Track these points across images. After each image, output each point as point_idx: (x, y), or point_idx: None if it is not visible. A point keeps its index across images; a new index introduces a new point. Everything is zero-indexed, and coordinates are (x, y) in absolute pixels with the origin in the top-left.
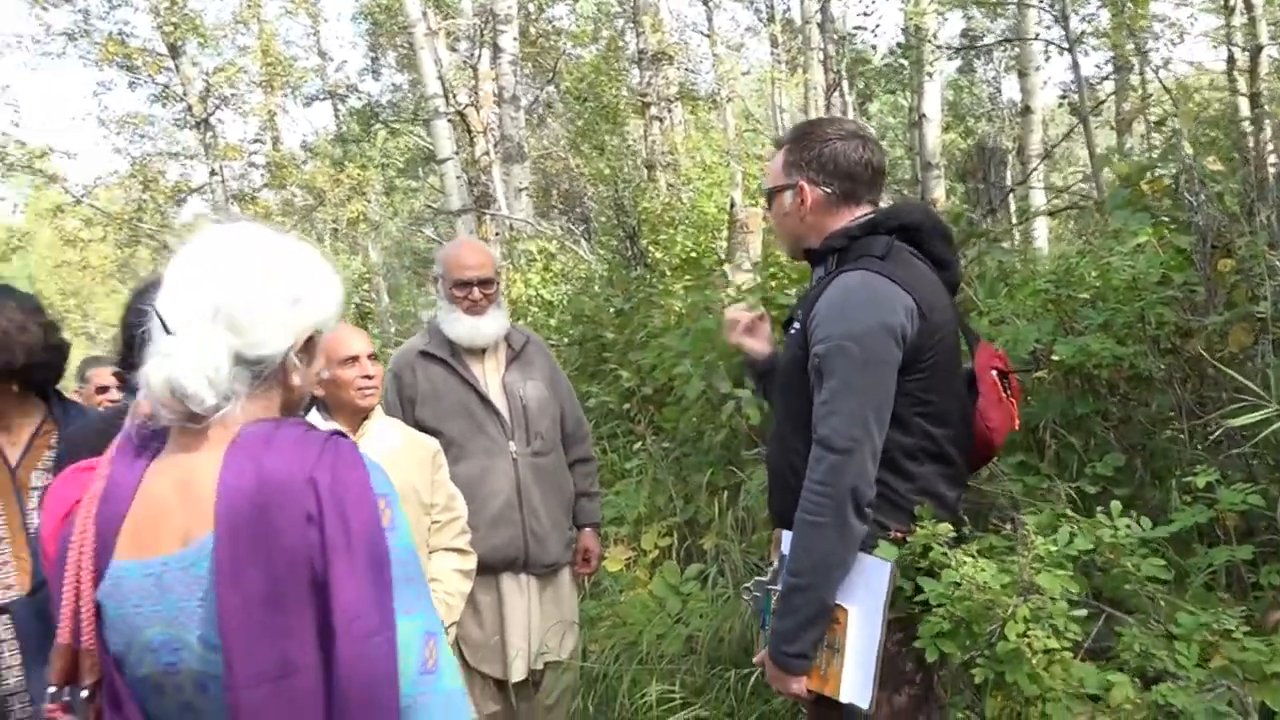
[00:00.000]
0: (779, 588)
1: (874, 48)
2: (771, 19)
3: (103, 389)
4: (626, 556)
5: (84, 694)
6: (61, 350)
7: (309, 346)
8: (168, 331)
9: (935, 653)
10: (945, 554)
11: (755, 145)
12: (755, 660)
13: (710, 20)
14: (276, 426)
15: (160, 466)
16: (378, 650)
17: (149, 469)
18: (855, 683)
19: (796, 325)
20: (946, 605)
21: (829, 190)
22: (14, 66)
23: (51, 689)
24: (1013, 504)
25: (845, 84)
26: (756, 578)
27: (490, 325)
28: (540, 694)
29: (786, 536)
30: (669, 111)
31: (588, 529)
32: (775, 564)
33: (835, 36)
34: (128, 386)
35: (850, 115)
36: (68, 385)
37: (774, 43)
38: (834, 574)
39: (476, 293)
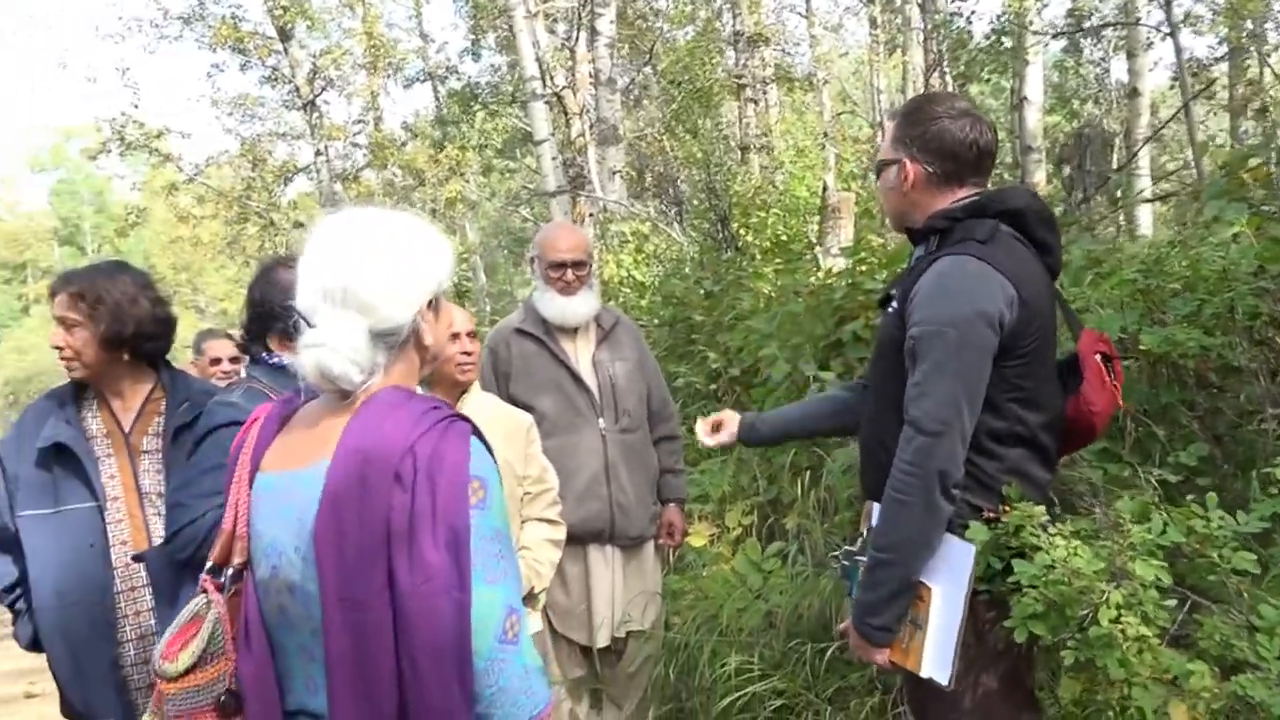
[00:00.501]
0: (866, 559)
1: (969, 31)
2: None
3: (216, 360)
4: (711, 533)
5: (230, 571)
6: (170, 323)
7: (433, 306)
8: (309, 325)
9: (1025, 634)
10: (1038, 536)
11: (852, 128)
12: (839, 629)
13: (808, 1)
14: (409, 398)
15: (310, 410)
16: (448, 607)
17: (301, 409)
18: (936, 659)
19: (894, 305)
20: (1039, 588)
21: (932, 169)
22: (134, 50)
23: (209, 565)
24: (1092, 491)
25: (945, 65)
26: (845, 547)
27: (581, 305)
28: (624, 661)
29: (877, 509)
30: (764, 93)
31: (672, 504)
32: (864, 534)
33: (935, 17)
34: (250, 356)
35: None
36: (183, 356)
37: (873, 23)
38: (919, 552)
39: (569, 274)
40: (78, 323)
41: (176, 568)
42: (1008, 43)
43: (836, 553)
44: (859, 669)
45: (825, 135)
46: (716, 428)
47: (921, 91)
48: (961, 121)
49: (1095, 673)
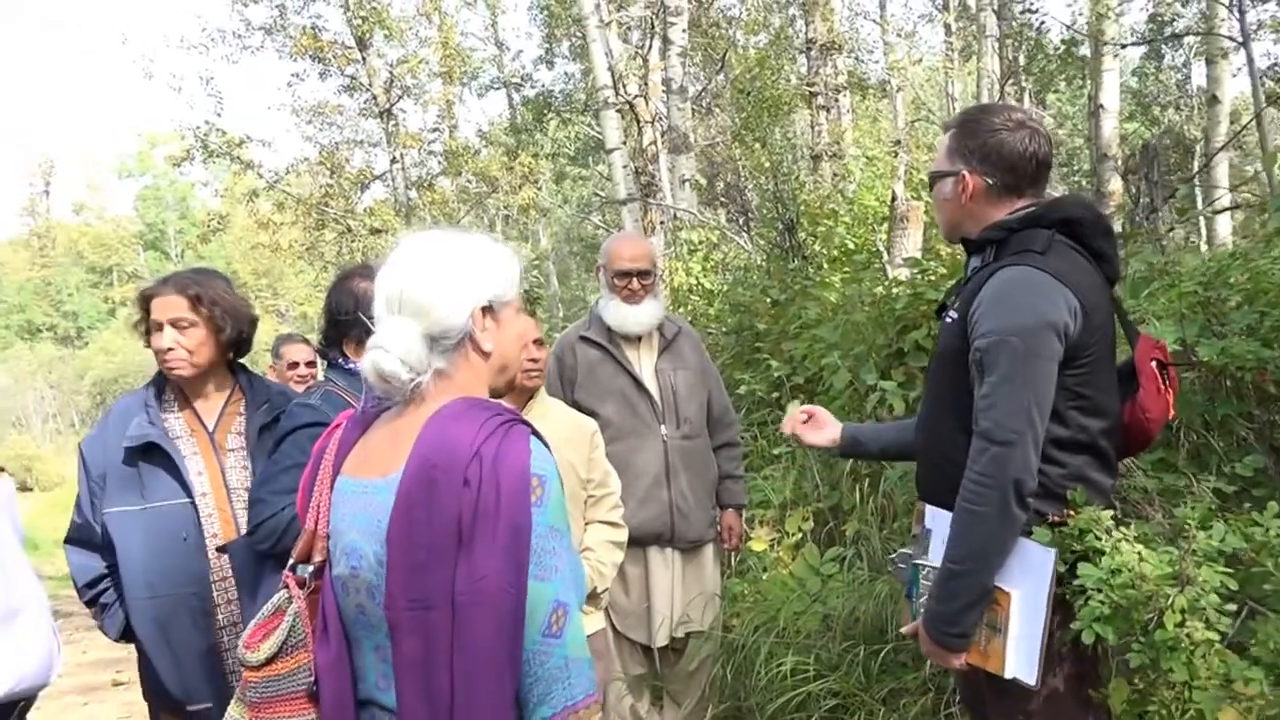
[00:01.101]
0: (927, 560)
1: (1037, 37)
2: (946, 6)
3: (293, 364)
4: (771, 538)
5: (310, 568)
6: (254, 327)
7: (489, 315)
8: (372, 330)
9: (1092, 635)
10: (1103, 540)
11: (926, 135)
12: (904, 631)
13: (883, 7)
14: (472, 405)
15: (386, 418)
16: (504, 601)
17: (379, 418)
18: (1020, 660)
19: (953, 315)
20: (1105, 590)
21: (991, 181)
22: (217, 60)
23: (291, 561)
24: (1148, 499)
25: (1021, 72)
26: (901, 550)
27: (645, 314)
28: (683, 660)
29: (930, 511)
30: (836, 101)
31: (731, 509)
32: (918, 535)
33: (1012, 23)
34: (328, 361)
35: (1026, 104)
36: (263, 360)
37: (947, 30)
38: (993, 560)
39: (634, 283)
40: (193, 324)
41: (258, 559)
42: (1084, 51)
43: (893, 556)
44: (913, 671)
45: (898, 143)
46: (808, 420)
47: (996, 99)
48: (1020, 133)
49: (1156, 676)
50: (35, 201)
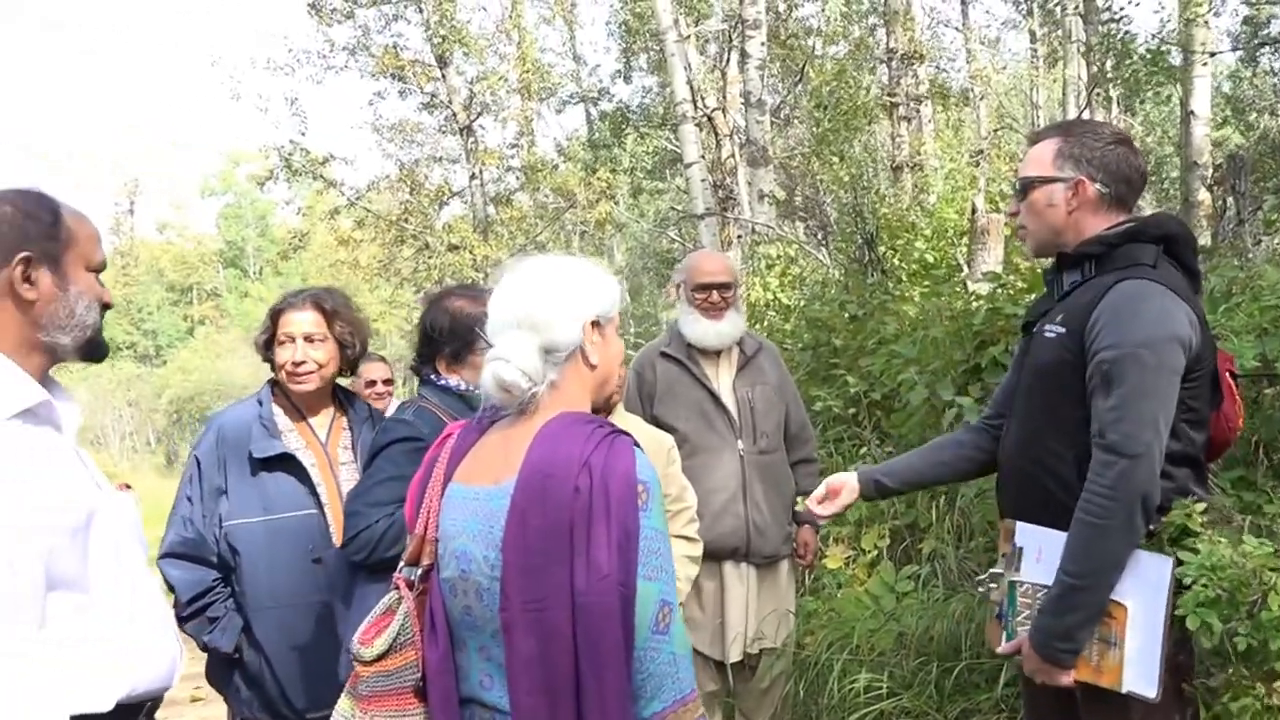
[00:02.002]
0: (1025, 578)
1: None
2: (1030, 12)
3: (370, 383)
4: (846, 555)
5: (419, 571)
6: (366, 346)
7: (597, 329)
8: (490, 345)
9: (1197, 622)
10: (1204, 529)
11: (1009, 144)
12: (1002, 650)
13: (965, 14)
14: (578, 419)
15: (498, 428)
16: (616, 599)
17: (491, 428)
18: (1139, 673)
19: (1056, 329)
20: (1207, 576)
21: (1106, 190)
22: (301, 80)
23: (401, 565)
24: (1224, 516)
25: (1109, 79)
26: (992, 570)
27: (726, 328)
28: (756, 677)
29: (1021, 528)
30: (917, 112)
31: (807, 525)
32: (1007, 552)
33: (1099, 28)
34: (421, 378)
35: (1114, 111)
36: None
37: (1032, 37)
38: (1113, 575)
39: (715, 296)
40: (324, 339)
41: (352, 570)
42: (1175, 59)
43: (983, 577)
44: (986, 691)
45: (980, 153)
46: (827, 498)
47: (1083, 106)
48: (1127, 148)
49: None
50: (120, 220)
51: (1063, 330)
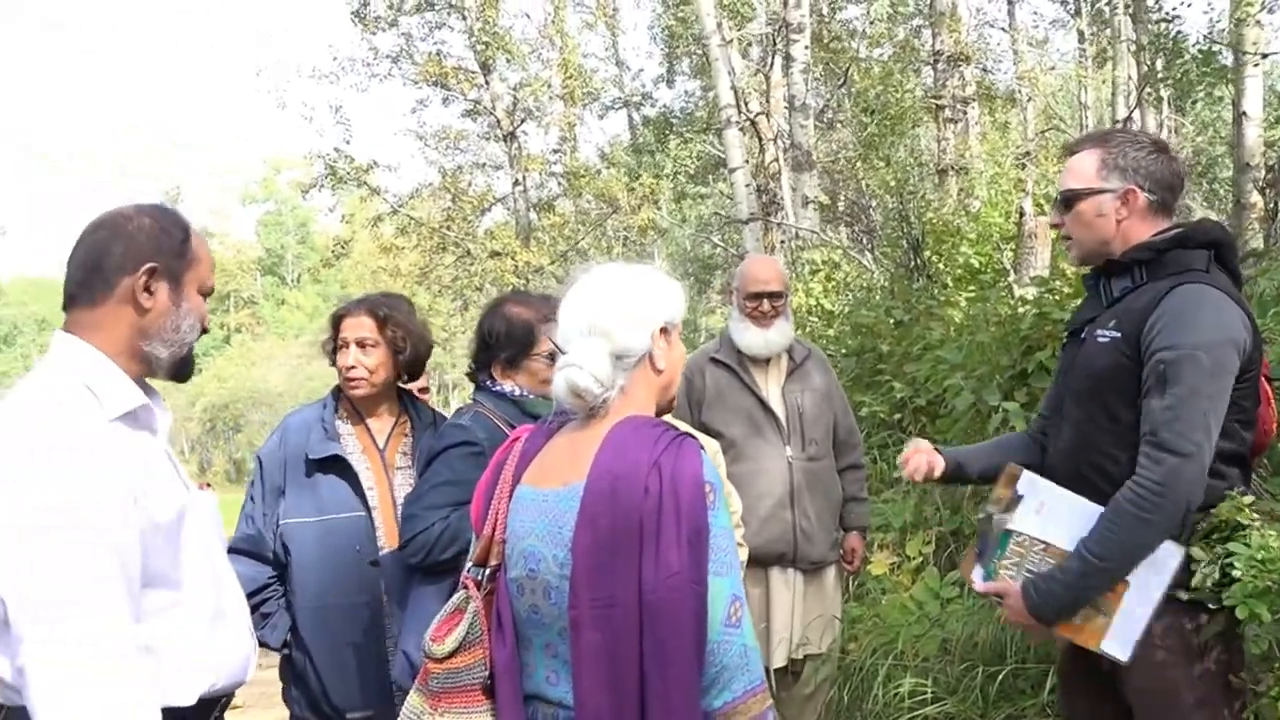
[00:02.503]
0: (1023, 529)
1: (1174, 44)
2: (1079, 11)
3: (423, 390)
4: (891, 561)
5: (486, 571)
6: (429, 352)
7: (664, 336)
8: (562, 351)
9: (1246, 611)
10: (1251, 522)
11: (1057, 146)
12: (980, 589)
13: (1012, 15)
14: (644, 422)
15: (565, 431)
16: (689, 594)
17: (558, 432)
18: (1119, 639)
19: (1109, 334)
20: (1258, 568)
21: (1154, 197)
22: (345, 88)
23: (469, 565)
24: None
25: (1159, 79)
26: (997, 514)
27: (775, 337)
28: (800, 682)
29: (1028, 478)
30: (963, 114)
31: (854, 532)
32: (1005, 496)
33: (1150, 27)
34: (477, 384)
35: (1165, 111)
36: None
37: (1081, 37)
38: (1139, 561)
39: (766, 305)
40: (376, 344)
41: (408, 572)
42: (1225, 59)
43: (980, 516)
44: (1031, 697)
45: (1027, 155)
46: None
47: (1133, 107)
48: (1166, 155)
49: None
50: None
51: (1117, 335)
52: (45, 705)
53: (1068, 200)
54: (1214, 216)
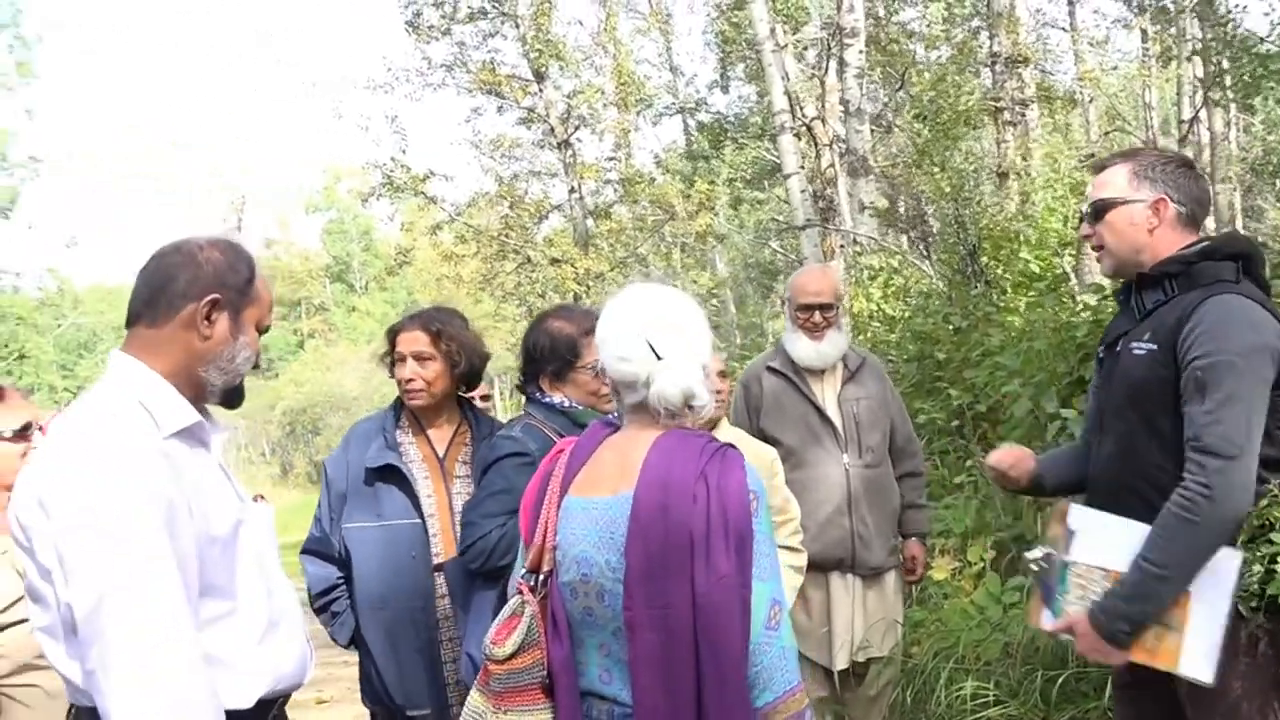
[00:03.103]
0: (1078, 559)
1: (1241, 44)
2: (1142, 10)
3: (484, 398)
4: (952, 566)
5: (541, 577)
6: (485, 362)
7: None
8: (658, 357)
9: None
10: None
11: (1123, 146)
12: (1049, 628)
13: (1072, 15)
14: (688, 434)
15: (611, 442)
16: (735, 598)
17: (604, 442)
18: (1197, 659)
19: (1145, 346)
20: None
21: (1184, 210)
22: (400, 98)
23: (523, 572)
24: None
25: (1224, 78)
26: (1042, 548)
27: (827, 348)
28: (864, 685)
29: (1077, 510)
30: (1022, 116)
31: (914, 538)
32: (1059, 534)
33: (1214, 29)
34: (527, 395)
35: (1233, 110)
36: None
37: (1144, 36)
38: (1198, 570)
39: (817, 316)
40: (432, 357)
41: (469, 577)
42: None
43: (1032, 554)
44: (1094, 699)
45: (1090, 156)
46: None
47: (1199, 107)
48: (1192, 171)
49: None
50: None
51: (1153, 347)
52: (115, 708)
53: (1099, 210)
54: None
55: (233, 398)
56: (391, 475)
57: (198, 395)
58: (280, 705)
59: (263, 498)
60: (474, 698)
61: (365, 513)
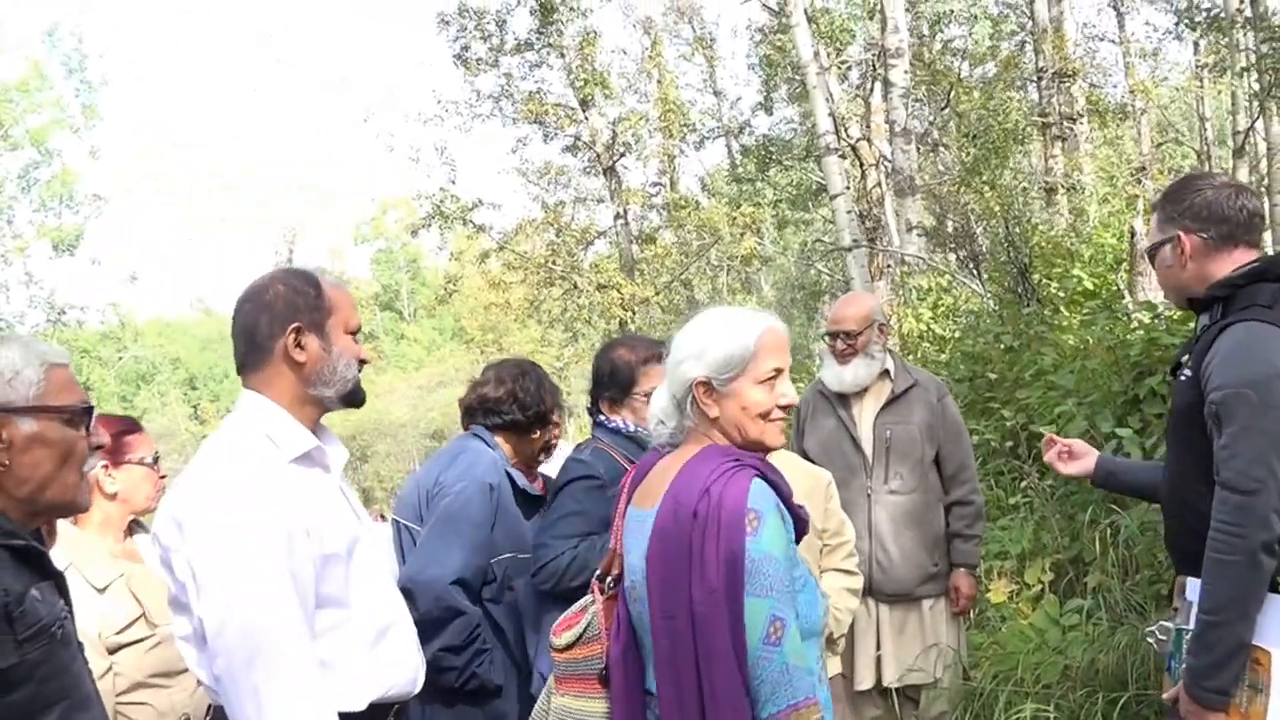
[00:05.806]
0: (1190, 627)
1: None
2: (1193, 24)
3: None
4: (1010, 589)
5: (611, 580)
6: (553, 399)
7: (704, 389)
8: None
9: None
10: None
11: (1174, 159)
12: (1165, 697)
13: (1121, 27)
14: (716, 451)
15: (665, 458)
16: (722, 611)
17: (660, 460)
18: None
19: (1187, 372)
20: None
21: (1205, 235)
22: (450, 130)
23: (598, 573)
24: None
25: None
26: (1162, 623)
27: (849, 374)
28: (921, 708)
29: (1191, 583)
30: (1071, 130)
31: (961, 569)
32: (1179, 606)
33: (1269, 38)
34: (594, 420)
35: None
36: None
37: (1196, 47)
38: (1248, 609)
39: (840, 343)
40: None
41: (540, 596)
42: None
43: (1153, 628)
44: None
45: (1141, 170)
46: (1066, 454)
47: (1254, 117)
48: (1227, 190)
49: None
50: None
51: (1190, 373)
52: (237, 714)
53: (1149, 257)
54: None
55: (353, 399)
56: (536, 505)
57: (318, 413)
58: (397, 713)
59: (383, 517)
60: (550, 679)
61: (519, 543)
